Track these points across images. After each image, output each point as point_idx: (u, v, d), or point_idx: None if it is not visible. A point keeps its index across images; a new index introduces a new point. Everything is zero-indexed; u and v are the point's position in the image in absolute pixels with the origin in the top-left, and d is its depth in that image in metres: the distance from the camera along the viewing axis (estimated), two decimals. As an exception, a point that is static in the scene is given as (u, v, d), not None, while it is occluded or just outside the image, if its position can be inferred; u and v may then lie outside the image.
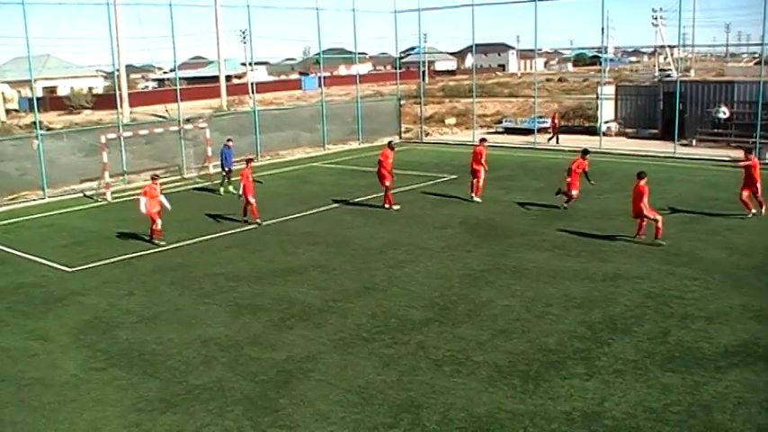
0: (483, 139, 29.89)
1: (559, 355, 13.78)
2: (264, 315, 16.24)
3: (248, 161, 25.78)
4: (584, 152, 26.86)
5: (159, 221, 22.49)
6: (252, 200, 24.31)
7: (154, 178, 23.18)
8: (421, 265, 19.84)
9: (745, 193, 23.90)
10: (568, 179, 26.04)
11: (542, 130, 47.37)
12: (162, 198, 22.62)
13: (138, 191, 31.31)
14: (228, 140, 31.73)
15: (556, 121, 46.19)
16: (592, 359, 13.59)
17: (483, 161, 27.96)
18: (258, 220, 24.44)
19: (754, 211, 23.87)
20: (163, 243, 22.35)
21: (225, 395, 12.54)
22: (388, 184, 26.56)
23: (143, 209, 22.27)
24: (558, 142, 44.38)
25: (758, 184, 23.73)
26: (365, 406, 11.98)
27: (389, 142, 28.42)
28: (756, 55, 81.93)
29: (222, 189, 31.07)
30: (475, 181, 28.14)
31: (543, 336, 14.70)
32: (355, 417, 11.62)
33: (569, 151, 41.66)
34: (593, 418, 11.40)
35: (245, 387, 12.83)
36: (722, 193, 28.14)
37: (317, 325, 15.62)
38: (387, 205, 26.71)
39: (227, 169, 31.10)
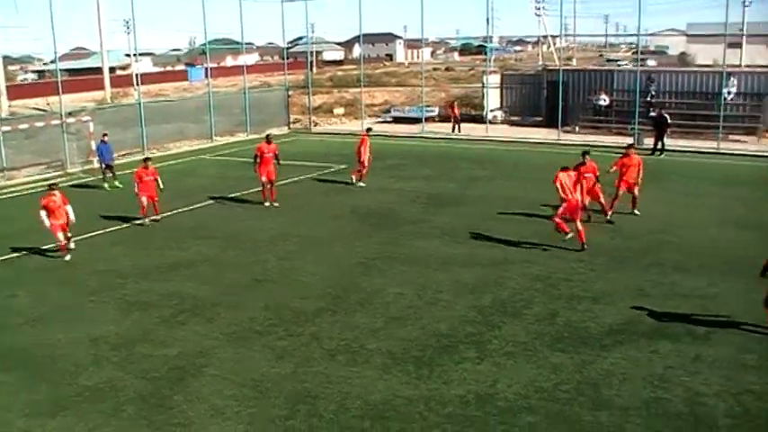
0: (369, 129, 30.96)
1: (452, 340, 13.98)
2: (155, 311, 15.93)
3: (145, 160, 25.15)
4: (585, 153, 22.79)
5: (61, 235, 20.05)
6: (144, 201, 23.13)
7: (52, 187, 20.52)
8: (312, 255, 19.81)
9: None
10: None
11: (430, 119, 47.86)
12: (69, 208, 20.24)
13: (19, 189, 30.42)
14: (104, 135, 30.59)
15: (456, 110, 46.17)
16: (483, 343, 13.84)
17: (365, 149, 28.59)
18: (147, 220, 23.74)
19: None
20: (68, 258, 20.19)
21: (117, 395, 12.25)
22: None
23: (47, 224, 19.84)
24: (459, 131, 44.69)
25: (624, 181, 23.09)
26: (261, 399, 11.90)
27: (268, 136, 27.29)
28: (633, 45, 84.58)
29: (107, 185, 30.11)
30: (360, 167, 28.76)
31: (435, 322, 14.89)
32: (251, 410, 11.54)
33: (463, 140, 42.29)
34: (487, 400, 11.62)
35: (138, 386, 12.57)
36: (605, 178, 28.95)
37: (209, 320, 15.42)
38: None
39: (105, 165, 30.16)
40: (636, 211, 23.07)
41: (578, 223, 19.57)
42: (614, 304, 15.64)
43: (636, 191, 23.03)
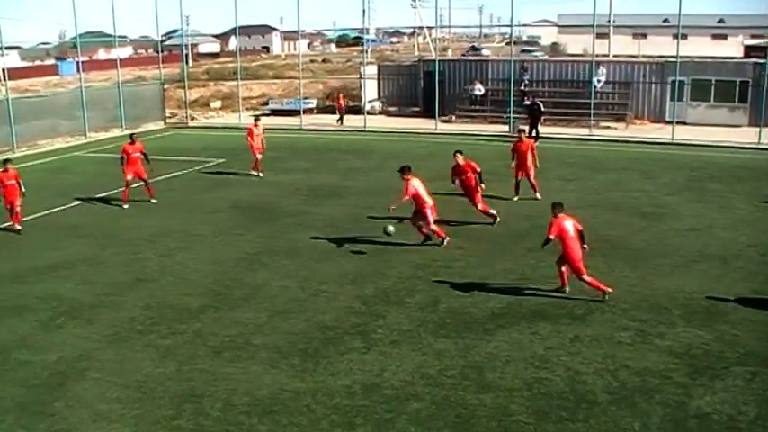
0: (257, 118, 31.54)
1: (337, 331, 14.07)
2: (31, 315, 15.43)
3: (5, 162, 24.25)
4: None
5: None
6: (18, 206, 22.03)
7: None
8: (193, 251, 19.57)
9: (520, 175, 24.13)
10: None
11: (308, 111, 47.84)
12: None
13: None
14: None
15: (341, 101, 46.14)
16: (368, 332, 13.99)
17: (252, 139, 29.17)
18: (18, 227, 22.67)
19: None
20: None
21: (-7, 403, 11.85)
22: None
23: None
24: (342, 123, 44.71)
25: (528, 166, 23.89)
26: (145, 400, 11.71)
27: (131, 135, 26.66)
28: (507, 36, 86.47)
29: None
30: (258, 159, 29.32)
31: (320, 313, 14.95)
32: (136, 412, 11.34)
33: (342, 131, 42.38)
34: (374, 389, 11.76)
35: (16, 393, 12.16)
36: (482, 165, 29.53)
37: (89, 321, 15.05)
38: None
39: None
40: (537, 195, 23.82)
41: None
42: (495, 289, 16.04)
43: (532, 174, 23.92)
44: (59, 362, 13.22)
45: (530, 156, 23.88)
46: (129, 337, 14.21)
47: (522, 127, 26.84)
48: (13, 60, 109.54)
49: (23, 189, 22.42)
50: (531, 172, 24.00)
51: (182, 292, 16.47)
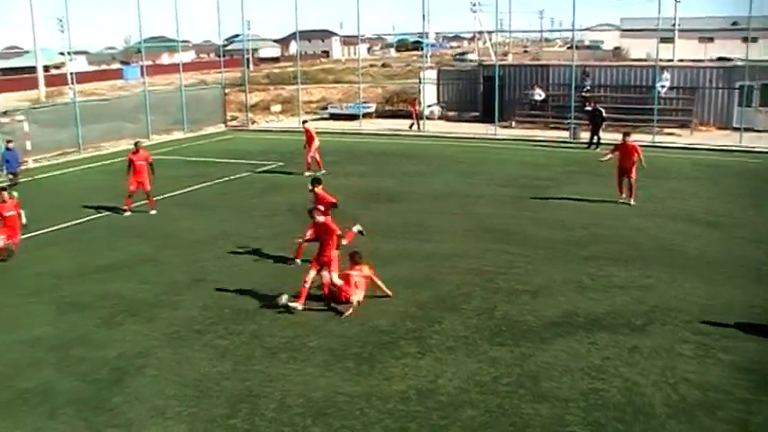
0: (305, 121, 32.10)
1: (392, 336, 14.05)
2: (92, 312, 15.72)
3: (137, 143, 24.79)
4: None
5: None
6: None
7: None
8: (251, 253, 19.71)
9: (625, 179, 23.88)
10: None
11: (367, 116, 47.99)
12: (22, 213, 20.17)
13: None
14: (8, 142, 29.37)
15: (417, 107, 45.25)
16: (424, 338, 13.94)
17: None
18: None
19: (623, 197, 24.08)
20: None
21: (56, 397, 12.08)
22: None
23: None
24: (419, 128, 44.06)
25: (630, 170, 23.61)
26: (202, 399, 11.84)
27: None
28: (568, 40, 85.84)
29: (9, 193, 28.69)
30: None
31: (375, 318, 14.93)
32: (192, 410, 11.47)
33: (400, 135, 42.39)
34: (428, 395, 11.71)
35: (77, 388, 12.41)
36: (542, 172, 29.43)
37: (148, 320, 15.27)
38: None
39: (11, 173, 28.82)
40: (631, 201, 23.57)
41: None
42: (552, 297, 15.87)
43: (633, 178, 23.58)
44: (119, 358, 13.43)
45: (634, 157, 23.64)
46: (187, 336, 14.38)
47: (626, 130, 25.80)
48: (81, 65, 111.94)
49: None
50: (633, 175, 23.72)
51: (239, 293, 16.60)
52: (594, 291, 16.23)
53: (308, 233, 17.20)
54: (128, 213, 24.16)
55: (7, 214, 19.63)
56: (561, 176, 28.64)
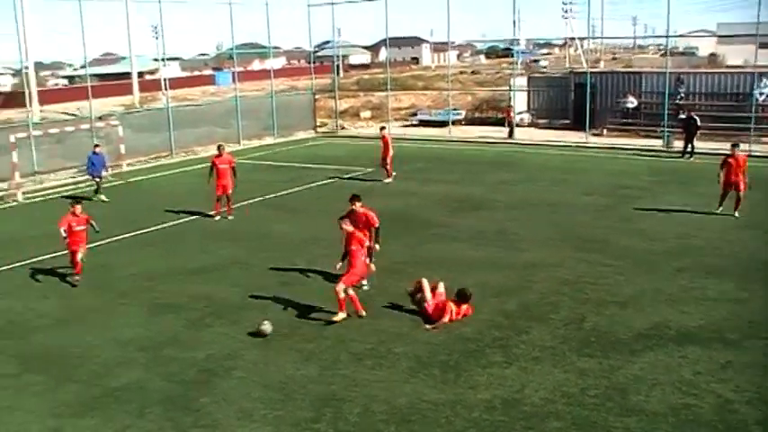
0: (382, 127, 32.38)
1: (478, 344, 13.95)
2: (183, 314, 16.03)
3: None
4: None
5: (80, 254, 18.52)
6: (80, 255, 18.62)
7: (76, 204, 18.90)
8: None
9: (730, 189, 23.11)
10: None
11: (456, 122, 47.85)
12: (92, 223, 19.10)
13: (49, 192, 30.70)
14: (96, 146, 29.66)
15: (511, 114, 44.59)
16: (510, 347, 13.80)
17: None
18: (230, 216, 24.47)
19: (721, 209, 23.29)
20: (77, 279, 18.50)
21: (144, 396, 12.35)
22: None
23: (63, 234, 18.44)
24: (511, 136, 43.37)
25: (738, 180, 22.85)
26: (287, 402, 11.94)
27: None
28: (662, 47, 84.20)
29: (95, 197, 28.82)
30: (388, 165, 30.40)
31: (462, 326, 14.85)
32: (277, 413, 11.58)
33: (489, 143, 42.14)
34: (513, 405, 11.59)
35: (165, 387, 12.66)
36: (633, 181, 28.87)
37: (236, 322, 15.48)
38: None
39: (95, 176, 29.02)
40: (736, 213, 22.83)
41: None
42: (642, 309, 15.54)
43: (741, 191, 22.87)
44: (207, 359, 13.66)
45: (741, 170, 22.86)
46: (274, 339, 14.52)
47: (735, 141, 24.79)
48: (174, 70, 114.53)
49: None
50: (743, 188, 22.90)
51: (327, 297, 16.68)
52: (686, 303, 15.82)
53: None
54: (218, 218, 24.50)
55: (77, 229, 18.52)
56: (653, 186, 28.03)
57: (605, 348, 13.63)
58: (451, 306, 15.18)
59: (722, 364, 12.90)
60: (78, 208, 18.69)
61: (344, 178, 31.45)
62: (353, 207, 17.27)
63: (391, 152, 30.65)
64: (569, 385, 12.22)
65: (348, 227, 15.84)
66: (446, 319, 15.01)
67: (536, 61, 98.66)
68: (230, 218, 24.53)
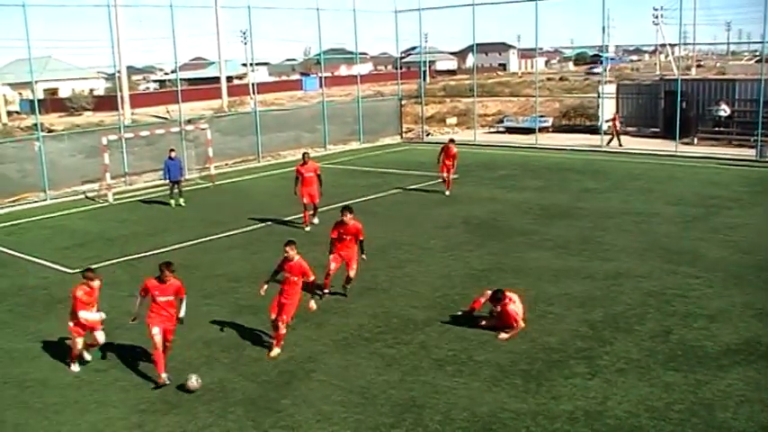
0: (452, 140, 30.47)
1: (561, 355, 13.77)
2: (265, 316, 16.14)
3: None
4: None
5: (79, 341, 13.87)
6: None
7: (88, 275, 13.83)
8: (422, 264, 19.81)
9: None
10: None
11: (543, 129, 47.40)
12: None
13: (140, 193, 31.46)
14: (171, 151, 29.84)
15: (617, 122, 42.94)
16: (594, 358, 13.58)
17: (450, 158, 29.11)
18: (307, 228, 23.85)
19: None
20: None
21: (227, 396, 12.54)
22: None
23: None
24: (620, 144, 41.97)
25: None
26: (367, 406, 11.97)
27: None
28: (757, 53, 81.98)
29: (173, 201, 29.11)
30: (446, 176, 29.33)
31: (545, 335, 14.69)
32: (357, 417, 11.62)
33: (577, 150, 41.59)
34: (596, 417, 11.39)
35: (247, 388, 12.83)
36: (723, 191, 28.13)
37: (319, 325, 15.60)
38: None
39: (171, 181, 29.06)
40: None
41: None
42: (732, 323, 15.11)
43: None
44: (288, 361, 13.79)
45: None
46: (355, 343, 14.60)
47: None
48: (262, 75, 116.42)
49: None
50: None
51: (409, 303, 16.72)
52: (779, 318, 15.34)
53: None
54: (308, 228, 24.02)
55: (161, 300, 13.38)
56: (745, 196, 27.27)
57: (692, 363, 13.29)
58: (510, 309, 14.91)
59: (816, 382, 12.47)
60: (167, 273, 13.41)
61: (430, 184, 31.35)
62: (344, 218, 17.05)
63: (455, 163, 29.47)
64: (654, 399, 11.95)
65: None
66: (518, 322, 14.88)
67: (591, 68, 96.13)
68: (315, 221, 24.23)
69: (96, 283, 13.89)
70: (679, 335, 14.56)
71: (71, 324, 13.68)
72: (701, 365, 13.17)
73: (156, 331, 13.05)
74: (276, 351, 14.32)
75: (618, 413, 11.52)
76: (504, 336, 14.67)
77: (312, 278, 14.46)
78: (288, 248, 14.38)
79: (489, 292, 15.32)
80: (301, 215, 24.35)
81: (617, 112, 45.98)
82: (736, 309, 15.89)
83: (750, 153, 37.13)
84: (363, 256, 17.34)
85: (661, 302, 16.37)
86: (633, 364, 13.28)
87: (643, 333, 14.70)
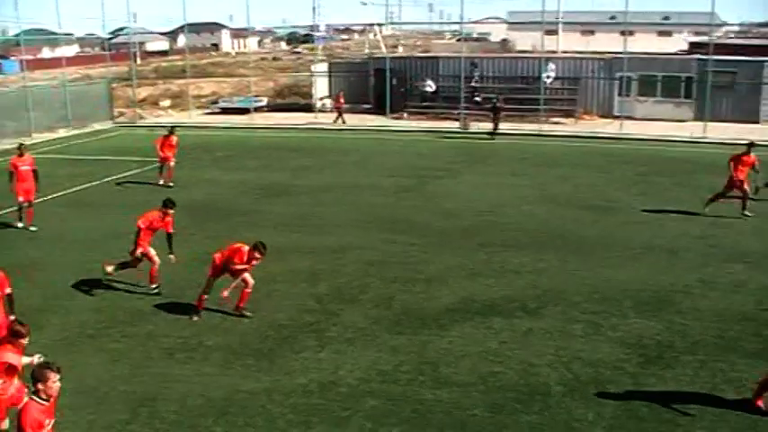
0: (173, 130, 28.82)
1: (291, 330, 14.01)
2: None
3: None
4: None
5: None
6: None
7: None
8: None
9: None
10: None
11: (259, 109, 47.63)
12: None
13: None
14: None
15: (341, 100, 43.76)
16: (323, 330, 13.95)
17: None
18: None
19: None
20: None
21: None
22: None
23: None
24: (344, 122, 42.65)
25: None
26: (99, 405, 11.51)
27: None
28: (457, 33, 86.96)
29: None
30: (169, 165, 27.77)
31: (274, 312, 14.87)
32: (90, 417, 11.14)
33: (292, 128, 42.12)
34: (330, 387, 11.73)
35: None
36: (433, 162, 29.75)
37: (39, 327, 14.72)
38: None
39: None
40: (747, 213, 21.54)
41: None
42: (448, 284, 16.11)
43: (746, 190, 21.54)
44: (8, 367, 12.95)
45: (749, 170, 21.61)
46: (79, 341, 13.95)
47: (751, 139, 22.95)
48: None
49: None
50: (746, 186, 21.56)
51: (136, 294, 16.25)
52: (488, 277, 16.57)
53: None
54: (30, 228, 21.62)
55: None
56: (453, 166, 29.02)
57: (415, 325, 14.04)
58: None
59: (524, 331, 13.64)
60: None
61: (146, 170, 30.47)
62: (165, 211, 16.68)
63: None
64: (383, 363, 12.50)
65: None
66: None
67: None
68: (33, 229, 21.61)
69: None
70: (401, 300, 15.31)
71: None
72: (423, 327, 13.94)
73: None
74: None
75: (350, 381, 11.93)
76: (225, 293, 14.51)
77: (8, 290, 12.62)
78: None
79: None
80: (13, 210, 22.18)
81: (330, 90, 47.17)
82: (450, 271, 16.96)
83: (455, 125, 39.57)
84: (172, 257, 16.41)
85: (382, 271, 17.11)
86: (360, 333, 13.79)
87: (367, 302, 15.30)
